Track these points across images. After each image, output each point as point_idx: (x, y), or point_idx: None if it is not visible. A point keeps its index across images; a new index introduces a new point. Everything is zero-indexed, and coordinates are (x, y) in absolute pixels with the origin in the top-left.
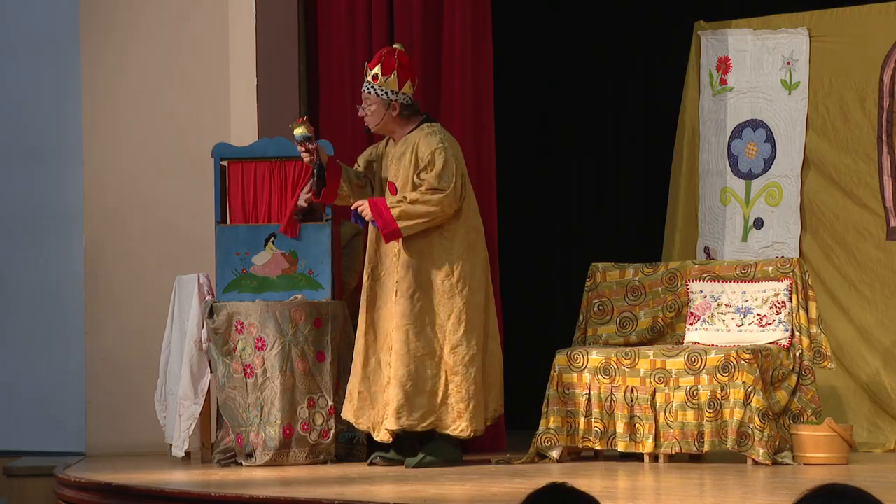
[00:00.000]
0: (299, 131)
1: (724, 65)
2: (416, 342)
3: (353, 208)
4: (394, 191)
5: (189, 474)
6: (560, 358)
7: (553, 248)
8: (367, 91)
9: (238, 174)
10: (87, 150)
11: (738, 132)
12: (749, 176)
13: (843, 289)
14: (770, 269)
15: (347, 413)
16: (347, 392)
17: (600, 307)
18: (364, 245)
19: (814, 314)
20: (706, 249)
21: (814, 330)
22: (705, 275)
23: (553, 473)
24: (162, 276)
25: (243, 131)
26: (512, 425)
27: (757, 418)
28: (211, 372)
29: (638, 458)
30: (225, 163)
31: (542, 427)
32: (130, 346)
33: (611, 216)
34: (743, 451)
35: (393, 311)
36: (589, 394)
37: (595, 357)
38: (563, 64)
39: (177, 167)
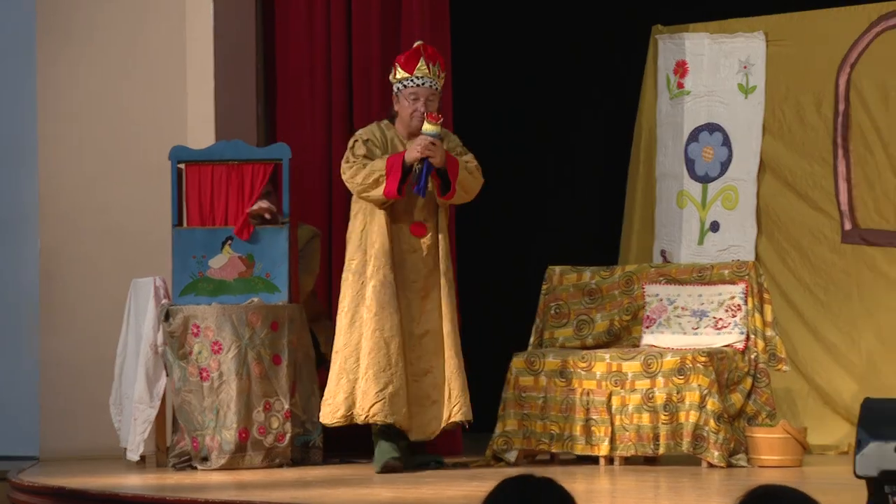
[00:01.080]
0: (434, 129)
1: (681, 69)
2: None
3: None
4: None
5: (144, 478)
6: (517, 361)
7: (509, 250)
8: (437, 88)
9: (195, 177)
10: (42, 152)
11: (694, 136)
12: (705, 179)
13: (798, 292)
14: (726, 272)
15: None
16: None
17: (557, 310)
18: (320, 248)
19: (769, 317)
20: (663, 252)
21: (769, 333)
22: (661, 278)
23: (501, 474)
24: (118, 280)
25: (200, 134)
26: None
27: (712, 421)
28: (167, 375)
29: (594, 460)
30: (182, 166)
31: (498, 430)
32: (85, 350)
33: (568, 219)
34: (698, 454)
35: (429, 307)
36: (545, 397)
37: (552, 360)
38: (520, 67)
39: (133, 170)
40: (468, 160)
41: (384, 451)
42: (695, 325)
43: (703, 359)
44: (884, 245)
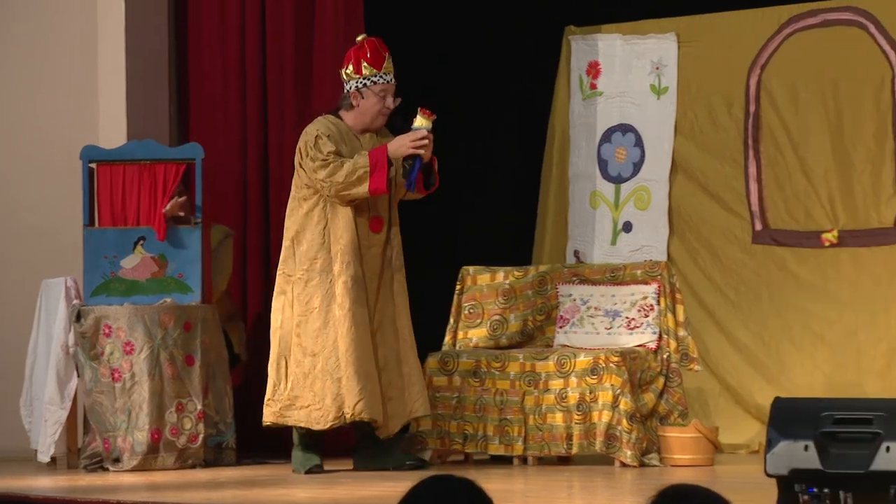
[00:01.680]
0: (428, 124)
1: (594, 69)
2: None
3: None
4: None
5: (55, 480)
6: (431, 361)
7: (423, 250)
8: (393, 82)
9: (107, 177)
10: None
11: (607, 136)
12: (618, 180)
13: (709, 292)
14: (638, 272)
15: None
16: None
17: (471, 310)
18: (233, 248)
19: (681, 317)
20: (576, 253)
21: (681, 333)
22: (575, 278)
23: (419, 475)
24: (28, 280)
25: (112, 133)
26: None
27: (625, 420)
28: (78, 376)
29: (508, 460)
30: (93, 165)
31: (412, 430)
32: None
33: (482, 220)
34: (611, 454)
35: (381, 304)
36: (459, 397)
37: (465, 360)
38: (435, 71)
39: (44, 169)
40: None
41: (309, 458)
42: (608, 325)
43: (615, 359)
44: (793, 245)
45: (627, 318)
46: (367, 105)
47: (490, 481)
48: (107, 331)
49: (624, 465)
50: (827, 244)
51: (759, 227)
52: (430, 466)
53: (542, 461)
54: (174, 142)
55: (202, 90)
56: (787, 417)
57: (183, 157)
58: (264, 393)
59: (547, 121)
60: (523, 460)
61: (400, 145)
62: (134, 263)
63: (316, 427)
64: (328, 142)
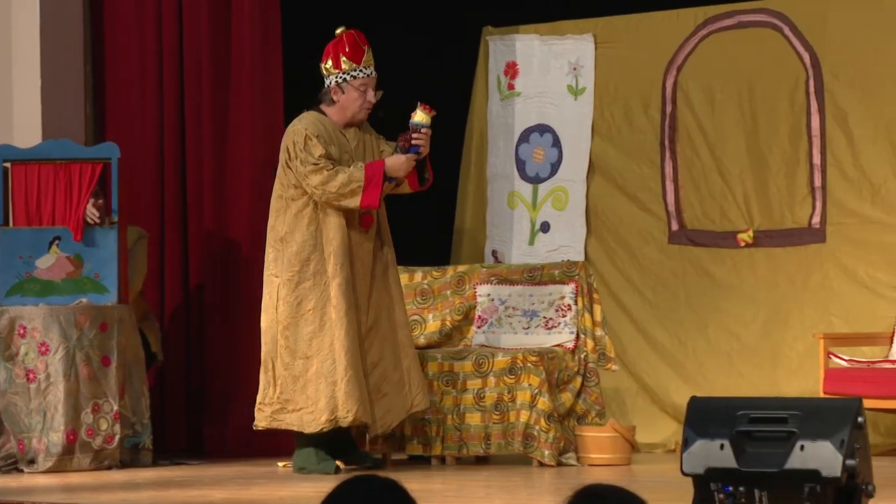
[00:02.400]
0: (427, 119)
1: (511, 70)
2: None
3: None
4: None
5: None
6: None
7: None
8: (374, 75)
9: (21, 176)
10: None
11: (525, 137)
12: (536, 180)
13: (626, 292)
14: (556, 272)
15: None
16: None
17: None
18: (147, 249)
19: (598, 317)
20: (494, 253)
21: (598, 332)
22: (493, 278)
23: (339, 477)
24: None
25: (27, 133)
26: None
27: (543, 420)
28: None
29: (426, 461)
30: (7, 164)
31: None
32: None
33: (400, 220)
34: (529, 453)
35: (374, 299)
36: None
37: None
38: None
39: None
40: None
41: (322, 458)
42: (525, 325)
43: (533, 358)
44: (709, 245)
45: (545, 317)
46: (348, 100)
47: (408, 481)
48: (21, 331)
49: (542, 464)
50: (742, 244)
51: (675, 227)
52: (385, 466)
53: (461, 461)
54: (90, 141)
55: (119, 89)
56: (703, 416)
57: (99, 157)
58: (181, 393)
59: (465, 121)
60: (441, 460)
61: (398, 166)
62: (49, 263)
63: (307, 430)
64: (318, 143)
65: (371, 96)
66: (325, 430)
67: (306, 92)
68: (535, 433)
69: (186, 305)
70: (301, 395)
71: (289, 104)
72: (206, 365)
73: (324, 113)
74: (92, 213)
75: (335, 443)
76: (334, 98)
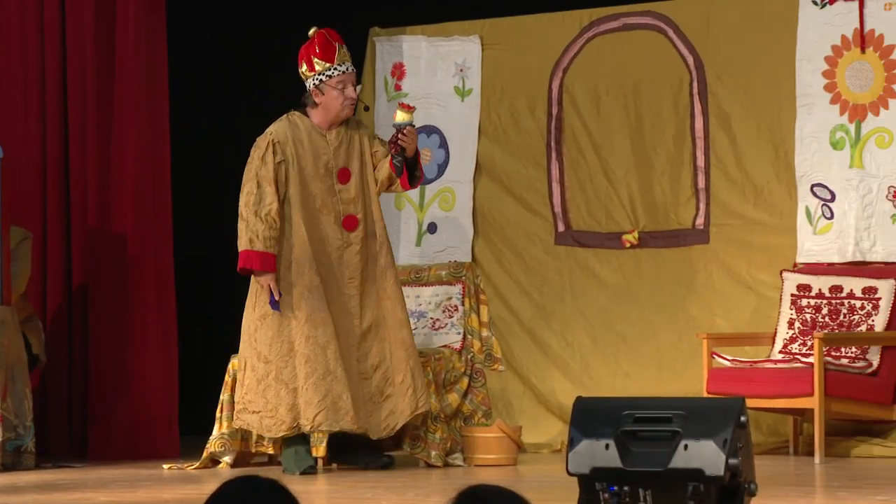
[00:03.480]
0: (408, 118)
1: (398, 71)
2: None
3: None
4: (348, 178)
5: None
6: (235, 362)
7: (224, 251)
8: (351, 70)
9: None
10: None
11: None
12: (423, 181)
13: (513, 293)
14: (443, 273)
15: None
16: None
17: None
18: (31, 250)
19: (485, 317)
20: None
21: (485, 333)
22: None
23: (226, 479)
24: None
25: None
26: (186, 430)
27: (429, 421)
28: None
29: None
30: None
31: (215, 432)
32: None
33: None
34: (416, 454)
35: (368, 302)
36: None
37: None
38: (241, 64)
39: None
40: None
41: (301, 457)
42: (412, 326)
43: (420, 359)
44: (595, 246)
45: (432, 318)
46: (329, 100)
47: (293, 483)
48: None
49: (429, 465)
50: (628, 245)
51: (561, 228)
52: (393, 467)
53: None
54: None
55: (1, 90)
56: (589, 416)
57: None
58: (64, 395)
59: None
60: (327, 461)
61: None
62: None
63: (268, 435)
64: (273, 154)
65: (351, 92)
66: (287, 436)
67: (191, 93)
68: (422, 434)
69: (69, 306)
70: (261, 398)
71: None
72: (90, 366)
73: (307, 115)
74: None
75: (349, 442)
76: (316, 101)
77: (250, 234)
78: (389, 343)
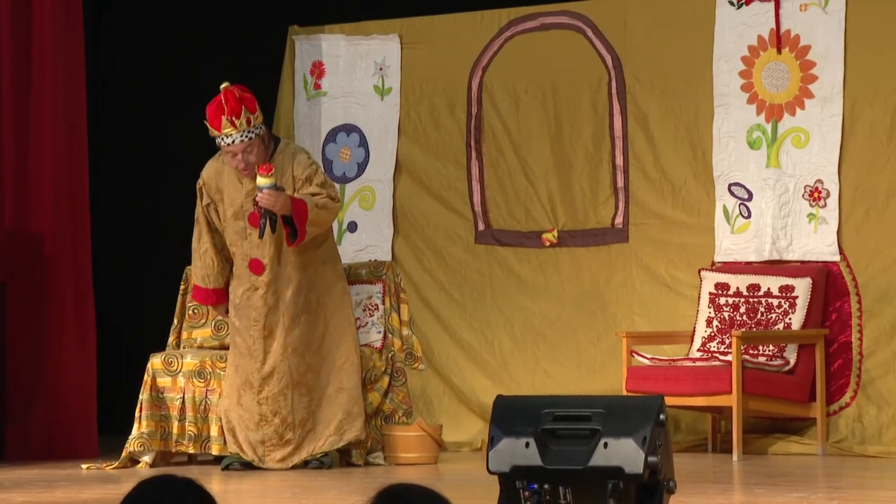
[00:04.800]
0: (268, 181)
1: (318, 69)
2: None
3: (262, 203)
4: (257, 222)
5: None
6: (154, 361)
7: (147, 250)
8: (249, 138)
9: None
10: None
11: (332, 137)
12: (343, 180)
13: (433, 291)
14: (363, 272)
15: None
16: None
17: (195, 310)
18: None
19: (405, 316)
20: None
21: (405, 332)
22: None
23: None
24: None
25: None
26: (104, 430)
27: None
28: None
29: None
30: None
31: (135, 432)
32: None
33: None
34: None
35: (273, 346)
36: (183, 397)
37: (190, 360)
38: (159, 68)
39: None
40: (317, 190)
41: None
42: None
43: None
44: (515, 245)
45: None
46: (227, 159)
47: (213, 482)
48: None
49: (349, 464)
50: (547, 244)
51: (481, 227)
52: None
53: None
54: None
55: None
56: (509, 415)
57: None
58: None
59: (272, 121)
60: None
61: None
62: None
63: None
64: (200, 198)
65: (241, 161)
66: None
67: (113, 91)
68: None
69: None
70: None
71: (94, 99)
72: (7, 365)
73: None
74: None
75: None
76: None
77: (194, 270)
78: (287, 389)
